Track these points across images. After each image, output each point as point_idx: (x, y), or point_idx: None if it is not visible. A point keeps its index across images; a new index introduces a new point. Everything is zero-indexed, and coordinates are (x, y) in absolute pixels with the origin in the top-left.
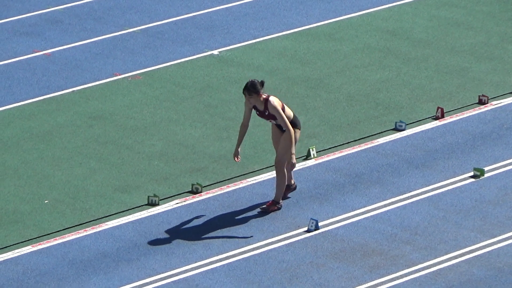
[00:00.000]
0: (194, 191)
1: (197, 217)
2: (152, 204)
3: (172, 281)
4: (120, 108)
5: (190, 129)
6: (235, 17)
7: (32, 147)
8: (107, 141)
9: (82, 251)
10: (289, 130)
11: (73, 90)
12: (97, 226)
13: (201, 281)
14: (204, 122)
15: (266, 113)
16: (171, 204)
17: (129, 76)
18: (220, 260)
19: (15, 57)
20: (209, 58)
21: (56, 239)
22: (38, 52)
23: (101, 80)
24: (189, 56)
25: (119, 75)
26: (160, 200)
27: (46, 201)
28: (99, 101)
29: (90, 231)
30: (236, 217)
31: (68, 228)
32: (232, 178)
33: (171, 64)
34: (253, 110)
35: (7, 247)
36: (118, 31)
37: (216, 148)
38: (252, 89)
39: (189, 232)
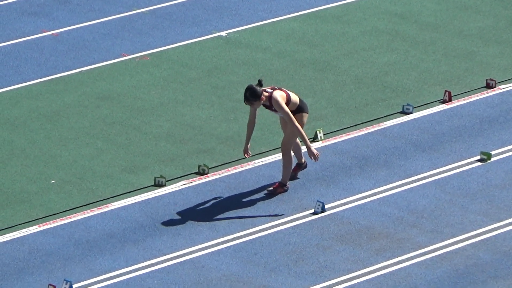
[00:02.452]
0: (201, 173)
1: (203, 199)
2: (158, 185)
3: (178, 262)
4: (128, 88)
5: (198, 110)
6: None
7: (40, 127)
8: (114, 121)
9: (89, 231)
10: (294, 126)
11: (81, 71)
12: (103, 206)
13: (207, 263)
14: (212, 104)
15: (273, 108)
16: (178, 185)
17: (136, 57)
18: (226, 241)
19: (23, 37)
20: (217, 40)
21: (62, 219)
22: (46, 32)
23: (108, 60)
24: (197, 38)
25: (127, 55)
26: (167, 181)
27: (52, 181)
28: (107, 81)
29: (96, 211)
30: (243, 199)
31: (75, 208)
32: (239, 159)
33: (179, 45)
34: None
35: (13, 226)
36: (126, 12)
37: (223, 130)
38: (252, 98)
39: (196, 213)
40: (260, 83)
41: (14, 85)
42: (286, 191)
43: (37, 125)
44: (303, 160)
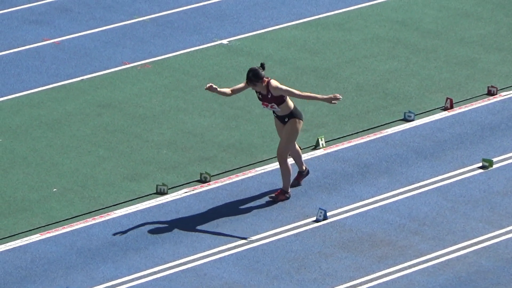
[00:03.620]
0: (203, 180)
1: (205, 206)
2: (160, 193)
3: (180, 270)
4: (129, 96)
5: (199, 118)
6: (245, 7)
7: (41, 135)
8: (116, 129)
9: (91, 239)
10: (300, 94)
11: (82, 79)
12: (105, 214)
13: (209, 270)
14: (213, 111)
15: (269, 96)
16: (180, 193)
17: (138, 65)
18: (228, 249)
19: (24, 45)
20: (218, 48)
21: (64, 228)
22: (48, 40)
23: (110, 68)
24: (198, 45)
25: (128, 63)
26: (169, 189)
27: (54, 189)
28: (108, 89)
29: (98, 219)
30: (245, 207)
31: (77, 216)
32: (241, 167)
33: (181, 53)
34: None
35: (15, 235)
36: (127, 20)
37: (224, 137)
38: (254, 79)
39: (198, 221)
40: (263, 67)
41: (15, 93)
42: (288, 198)
43: (39, 133)
44: (304, 167)
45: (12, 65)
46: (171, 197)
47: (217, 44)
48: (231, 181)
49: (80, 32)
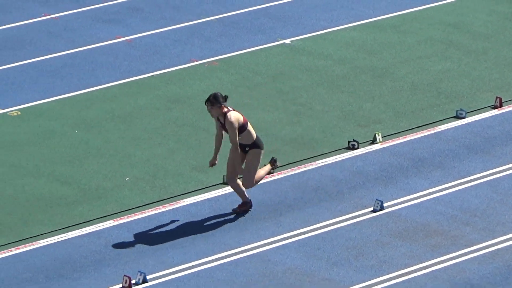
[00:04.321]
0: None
1: (269, 196)
2: (226, 183)
3: (245, 256)
4: (197, 92)
5: (263, 114)
6: (306, 9)
7: (114, 127)
8: (185, 123)
9: (161, 226)
10: (233, 147)
11: (153, 75)
12: (175, 203)
13: (273, 256)
14: (277, 107)
15: (225, 127)
16: None
17: (206, 62)
18: (291, 237)
19: (98, 43)
20: (281, 47)
21: (136, 214)
22: (120, 38)
23: (179, 65)
24: (262, 45)
25: (196, 61)
26: None
27: (127, 179)
28: (178, 85)
29: (168, 207)
30: (306, 197)
31: (148, 204)
32: (302, 160)
33: (246, 52)
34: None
35: (90, 221)
36: (195, 20)
37: (287, 132)
38: (214, 101)
39: (262, 210)
40: (225, 98)
41: (90, 88)
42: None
43: (112, 125)
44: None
45: (87, 61)
46: None
47: (280, 44)
48: (293, 173)
49: (151, 31)
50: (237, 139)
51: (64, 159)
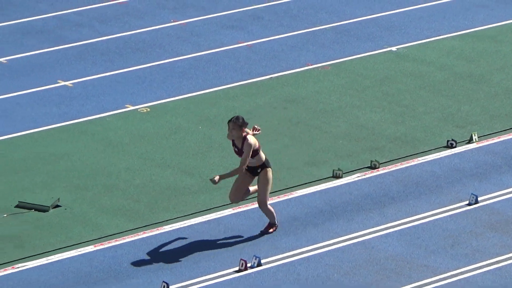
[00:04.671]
0: (373, 167)
1: (374, 189)
2: (336, 176)
3: (351, 243)
4: (311, 93)
5: (370, 114)
6: (412, 19)
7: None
8: (299, 121)
9: (276, 214)
10: (240, 168)
11: (271, 77)
12: (288, 193)
13: (376, 244)
14: (383, 108)
15: (243, 150)
16: (353, 177)
17: (319, 67)
18: (393, 226)
19: (222, 47)
20: (388, 54)
21: (253, 204)
22: (242, 43)
23: (295, 69)
24: (371, 51)
25: (311, 65)
26: (343, 173)
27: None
28: (293, 87)
29: (282, 197)
30: (408, 190)
31: None
32: (405, 156)
33: (356, 58)
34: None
35: (211, 209)
36: (311, 28)
37: (392, 131)
38: (236, 121)
39: (368, 202)
40: (246, 124)
41: (214, 87)
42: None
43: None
44: (276, 221)
45: (212, 64)
46: (345, 181)
47: (387, 51)
48: (396, 168)
49: (270, 37)
50: (247, 161)
51: (188, 152)
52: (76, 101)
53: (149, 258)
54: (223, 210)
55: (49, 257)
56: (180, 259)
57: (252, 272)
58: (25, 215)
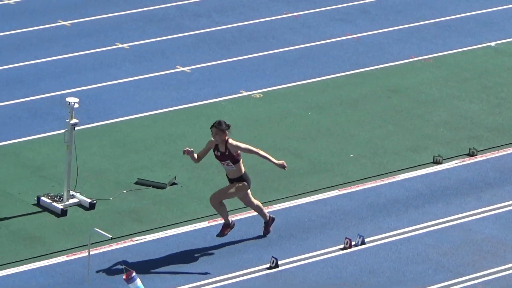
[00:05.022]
0: (471, 154)
1: (472, 175)
2: (436, 162)
3: (449, 225)
4: (414, 84)
5: (470, 104)
6: (510, 16)
7: (342, 111)
8: (402, 110)
9: (379, 196)
10: (257, 152)
11: (377, 67)
12: (391, 177)
13: (473, 226)
14: (481, 100)
15: (227, 153)
16: (452, 163)
17: (422, 59)
18: (489, 210)
19: (331, 38)
20: (487, 49)
21: (358, 186)
22: (350, 35)
23: (399, 61)
24: (470, 46)
25: (414, 57)
26: (443, 159)
27: (351, 155)
28: (397, 77)
29: (386, 181)
30: (504, 177)
31: (368, 177)
32: (502, 145)
33: (456, 52)
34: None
35: (318, 190)
36: (414, 23)
37: (490, 121)
38: (219, 127)
39: (465, 187)
40: (228, 126)
41: (322, 76)
42: (232, 228)
43: (340, 109)
44: (268, 217)
45: (321, 54)
46: (445, 166)
47: (486, 46)
48: (493, 156)
49: (376, 30)
50: (251, 147)
51: (298, 136)
52: (194, 85)
53: (259, 234)
54: (330, 191)
55: (166, 231)
56: (289, 236)
57: (356, 250)
58: (143, 191)
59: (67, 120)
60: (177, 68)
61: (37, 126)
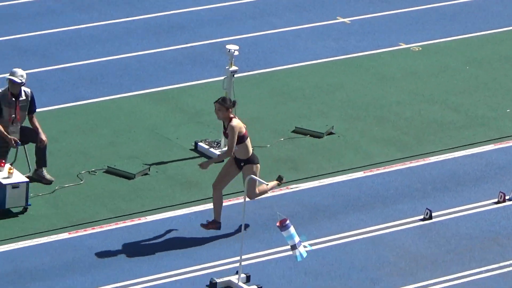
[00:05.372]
0: None
1: None
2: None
3: None
4: None
5: None
6: None
7: (500, 66)
8: None
9: None
10: (227, 152)
11: None
12: None
13: None
14: None
15: (226, 132)
16: None
17: None
18: None
19: None
20: None
21: (507, 143)
22: None
23: None
24: None
25: None
26: None
27: (507, 110)
28: None
29: None
30: None
31: None
32: None
33: None
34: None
35: (474, 144)
36: None
37: None
38: (222, 103)
39: None
40: (233, 103)
41: (482, 31)
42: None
43: (498, 64)
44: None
45: (481, 9)
46: None
47: None
48: None
49: None
50: (233, 145)
51: (455, 90)
52: (353, 37)
53: (414, 186)
54: (485, 145)
55: (322, 180)
56: (443, 188)
57: (510, 204)
58: (301, 140)
59: (226, 67)
60: (337, 19)
61: (197, 72)
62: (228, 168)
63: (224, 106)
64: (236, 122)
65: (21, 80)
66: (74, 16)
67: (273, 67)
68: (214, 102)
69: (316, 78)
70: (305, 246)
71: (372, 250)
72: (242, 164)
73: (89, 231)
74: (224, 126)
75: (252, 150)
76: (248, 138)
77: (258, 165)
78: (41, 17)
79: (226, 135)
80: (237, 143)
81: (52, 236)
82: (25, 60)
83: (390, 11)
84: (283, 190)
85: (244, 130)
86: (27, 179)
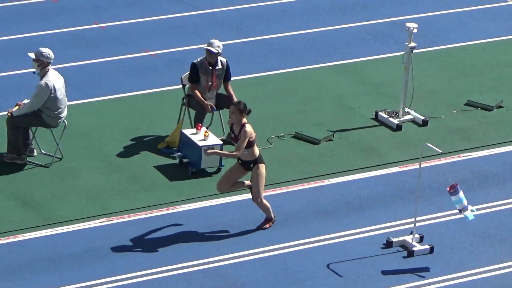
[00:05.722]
0: None
1: None
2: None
3: None
4: None
5: None
6: None
7: None
8: None
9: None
10: (235, 154)
11: None
12: None
13: None
14: None
15: (239, 137)
16: None
17: None
18: None
19: None
20: None
21: None
22: None
23: None
24: None
25: None
26: None
27: None
28: None
29: None
30: None
31: None
32: None
33: None
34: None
35: None
36: None
37: None
38: (238, 106)
39: None
40: (248, 111)
41: None
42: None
43: None
44: (272, 215)
45: None
46: None
47: None
48: None
49: None
50: (242, 147)
51: None
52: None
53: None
54: None
55: (491, 150)
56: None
57: None
58: (472, 112)
59: (406, 43)
60: (508, 1)
61: (378, 47)
62: (232, 171)
63: (239, 108)
64: (249, 128)
65: (217, 50)
66: None
67: (448, 45)
68: (231, 105)
69: (487, 55)
70: (472, 210)
71: None
72: (251, 165)
73: (277, 191)
74: (231, 129)
75: (259, 152)
76: (255, 146)
77: (264, 164)
78: None
79: (230, 138)
80: (246, 147)
81: (243, 195)
82: (221, 33)
83: None
84: (455, 158)
85: (254, 136)
86: (221, 142)
